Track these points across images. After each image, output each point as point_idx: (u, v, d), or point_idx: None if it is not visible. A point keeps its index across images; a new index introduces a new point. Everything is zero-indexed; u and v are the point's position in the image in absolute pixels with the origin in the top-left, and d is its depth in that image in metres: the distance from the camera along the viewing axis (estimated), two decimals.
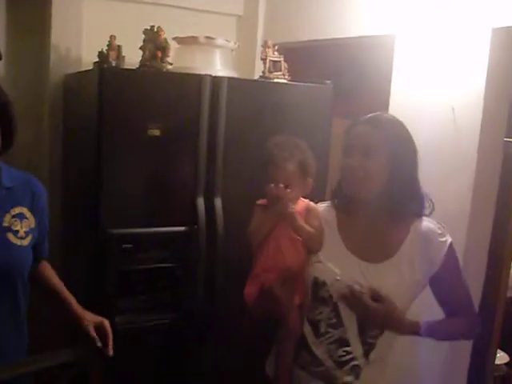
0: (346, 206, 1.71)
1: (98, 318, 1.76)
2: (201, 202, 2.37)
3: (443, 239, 1.63)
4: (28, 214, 1.70)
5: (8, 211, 1.65)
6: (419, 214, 1.66)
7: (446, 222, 1.70)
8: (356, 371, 1.64)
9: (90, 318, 1.75)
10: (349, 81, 2.89)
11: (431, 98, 2.35)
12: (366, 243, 1.66)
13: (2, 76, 2.72)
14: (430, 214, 1.67)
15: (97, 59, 2.32)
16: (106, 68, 2.24)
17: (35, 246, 1.74)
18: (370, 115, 1.67)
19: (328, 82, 2.62)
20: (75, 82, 2.66)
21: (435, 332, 1.64)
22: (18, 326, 1.70)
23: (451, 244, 1.63)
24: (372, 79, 2.76)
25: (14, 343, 1.68)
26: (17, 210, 1.67)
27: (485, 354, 2.30)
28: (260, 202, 1.79)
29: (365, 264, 1.63)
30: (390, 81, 2.57)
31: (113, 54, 2.29)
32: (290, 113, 2.50)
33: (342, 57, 3.00)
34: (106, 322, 1.75)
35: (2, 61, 2.68)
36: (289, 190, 1.70)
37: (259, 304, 1.71)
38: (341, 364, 1.63)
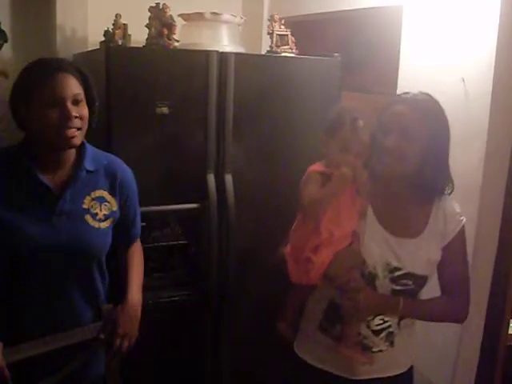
0: (375, 179, 1.68)
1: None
2: (211, 178, 2.38)
3: (460, 218, 1.69)
4: (108, 197, 1.72)
5: (89, 194, 1.67)
6: (442, 192, 1.69)
7: (458, 192, 1.71)
8: (391, 338, 1.68)
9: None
10: (357, 53, 2.85)
11: (441, 69, 2.33)
12: (396, 218, 1.67)
13: (9, 59, 2.72)
14: (451, 193, 1.69)
15: (103, 38, 2.31)
16: (113, 47, 2.23)
17: (123, 231, 1.78)
18: (407, 95, 1.66)
19: (336, 54, 2.60)
20: (82, 62, 2.62)
21: (416, 309, 1.68)
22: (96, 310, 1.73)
23: (464, 224, 1.69)
24: (380, 51, 2.73)
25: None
26: (97, 193, 1.69)
27: (498, 323, 2.30)
28: (316, 168, 1.63)
29: (397, 240, 1.65)
30: (398, 52, 2.54)
31: (119, 33, 2.28)
32: (299, 87, 2.49)
33: (349, 29, 2.96)
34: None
35: (8, 43, 2.68)
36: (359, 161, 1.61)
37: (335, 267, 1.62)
38: (377, 332, 1.67)
